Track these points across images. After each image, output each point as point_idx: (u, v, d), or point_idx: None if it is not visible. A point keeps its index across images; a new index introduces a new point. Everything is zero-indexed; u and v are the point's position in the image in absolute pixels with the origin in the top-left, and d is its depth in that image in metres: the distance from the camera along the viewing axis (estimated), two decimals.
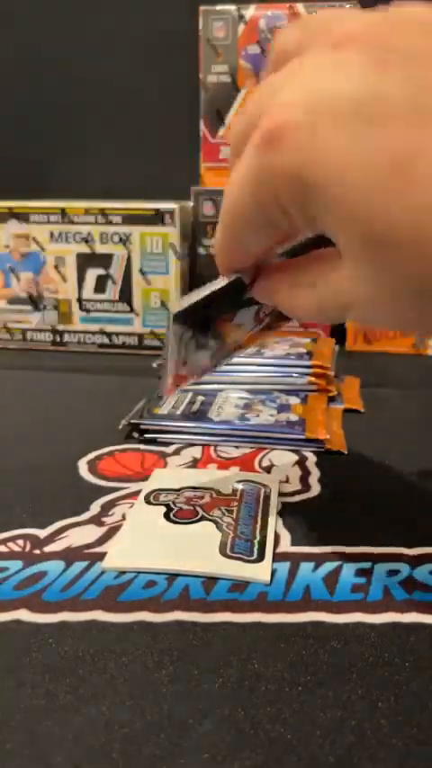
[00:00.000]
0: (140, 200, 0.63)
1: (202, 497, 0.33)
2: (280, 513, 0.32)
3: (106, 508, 0.33)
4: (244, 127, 0.23)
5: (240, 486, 0.34)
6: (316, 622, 0.24)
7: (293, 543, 0.30)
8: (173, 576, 0.27)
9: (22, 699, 0.21)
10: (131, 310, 0.64)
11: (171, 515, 0.31)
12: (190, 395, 0.46)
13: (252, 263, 0.26)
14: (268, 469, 0.37)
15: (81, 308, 0.65)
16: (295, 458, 0.39)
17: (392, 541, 0.30)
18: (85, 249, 0.64)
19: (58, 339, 0.66)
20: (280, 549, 0.29)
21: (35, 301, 0.66)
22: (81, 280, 0.65)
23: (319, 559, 0.28)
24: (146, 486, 0.34)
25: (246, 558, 0.28)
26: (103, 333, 0.65)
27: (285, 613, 0.25)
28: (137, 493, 0.34)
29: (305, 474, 0.37)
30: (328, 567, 0.28)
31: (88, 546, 0.29)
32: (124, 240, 0.62)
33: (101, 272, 0.64)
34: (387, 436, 0.42)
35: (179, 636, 0.24)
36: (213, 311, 0.28)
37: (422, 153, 0.18)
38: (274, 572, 0.27)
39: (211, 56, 0.64)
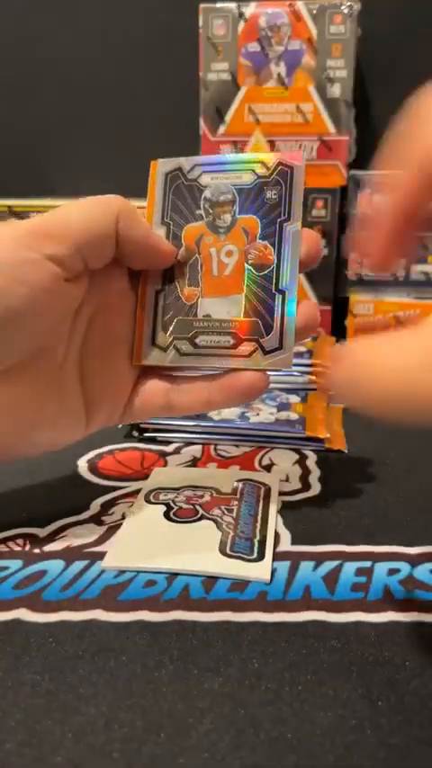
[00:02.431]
0: (140, 198, 0.63)
1: (202, 496, 0.33)
2: (280, 512, 0.32)
3: (106, 507, 0.33)
4: None
5: (240, 485, 0.34)
6: (316, 621, 0.24)
7: (293, 542, 0.30)
8: (173, 576, 0.27)
9: (22, 699, 0.21)
10: None
11: (171, 514, 0.31)
12: None
13: None
14: (268, 468, 0.37)
15: None
16: (295, 456, 0.39)
17: (392, 540, 0.30)
18: None
19: None
20: (280, 549, 0.29)
21: None
22: None
23: (319, 558, 0.28)
24: (146, 486, 0.34)
25: (246, 557, 0.28)
26: None
27: (285, 612, 0.25)
28: (137, 492, 0.34)
29: (305, 473, 0.37)
30: (329, 566, 0.28)
31: (88, 545, 0.29)
32: None
33: None
34: (387, 435, 0.42)
35: (179, 635, 0.24)
36: None
37: None
38: (274, 571, 0.27)
39: (211, 54, 0.64)
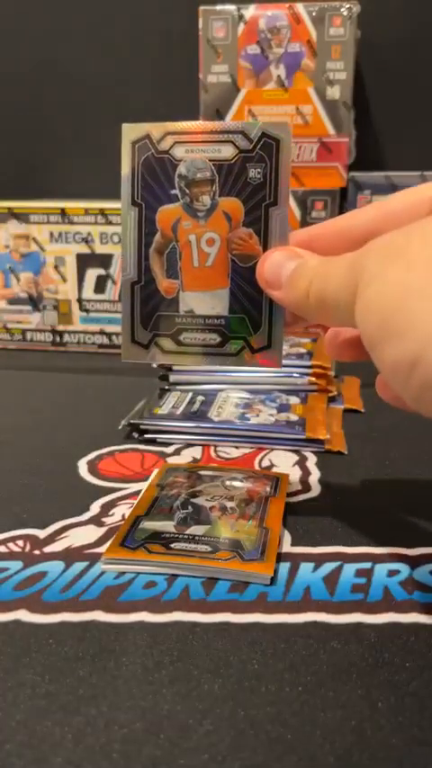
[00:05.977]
0: None
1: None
2: None
3: (106, 508, 0.33)
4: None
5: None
6: (316, 623, 0.24)
7: (294, 543, 0.30)
8: (173, 577, 0.27)
9: (22, 699, 0.21)
10: None
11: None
12: (190, 395, 0.46)
13: None
14: (268, 469, 0.37)
15: (81, 308, 0.65)
16: (295, 458, 0.39)
17: (392, 541, 0.30)
18: (84, 249, 0.63)
19: (57, 339, 0.66)
20: (280, 550, 0.29)
21: (35, 301, 0.66)
22: (81, 280, 0.65)
23: (319, 559, 0.28)
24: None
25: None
26: (102, 333, 0.65)
27: (285, 614, 0.25)
28: (137, 493, 0.34)
29: (305, 474, 0.37)
30: (329, 567, 0.28)
31: (88, 546, 0.29)
32: None
33: (101, 272, 0.64)
34: (387, 436, 0.42)
35: (179, 636, 0.24)
36: None
37: None
38: (274, 572, 0.27)
39: (211, 56, 0.64)
